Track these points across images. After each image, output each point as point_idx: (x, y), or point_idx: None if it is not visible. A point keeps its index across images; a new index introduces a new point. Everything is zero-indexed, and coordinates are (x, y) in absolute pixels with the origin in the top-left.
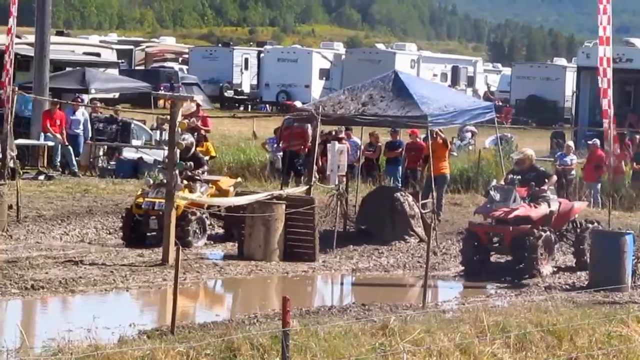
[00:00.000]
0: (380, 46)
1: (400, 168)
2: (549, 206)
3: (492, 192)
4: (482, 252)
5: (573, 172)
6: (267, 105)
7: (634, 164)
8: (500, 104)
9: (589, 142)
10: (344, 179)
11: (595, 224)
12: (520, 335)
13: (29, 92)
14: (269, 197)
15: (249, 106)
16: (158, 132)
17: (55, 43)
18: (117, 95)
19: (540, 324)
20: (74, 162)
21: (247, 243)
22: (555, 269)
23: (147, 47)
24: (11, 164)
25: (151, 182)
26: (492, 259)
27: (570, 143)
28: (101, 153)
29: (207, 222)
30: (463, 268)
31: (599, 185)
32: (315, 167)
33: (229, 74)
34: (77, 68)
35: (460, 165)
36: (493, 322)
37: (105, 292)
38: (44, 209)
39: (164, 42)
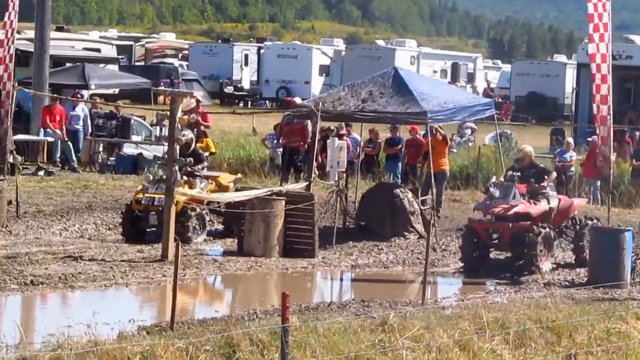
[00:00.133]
0: (380, 42)
1: (399, 164)
2: (549, 203)
3: (491, 189)
4: (481, 249)
5: (572, 168)
6: (267, 102)
7: (634, 160)
8: (500, 100)
9: (589, 139)
10: (344, 175)
11: (595, 220)
12: (519, 332)
13: (29, 88)
14: (268, 193)
15: (249, 102)
16: (158, 128)
17: (55, 39)
18: (116, 91)
19: (540, 321)
20: (74, 158)
21: (247, 239)
22: (554, 266)
23: (147, 43)
24: (11, 160)
25: (151, 178)
26: (492, 255)
27: (570, 140)
28: (101, 149)
29: (207, 218)
30: (462, 264)
31: (598, 182)
32: (315, 164)
33: (228, 70)
34: (77, 64)
35: (460, 162)
36: (492, 319)
37: (104, 288)
38: (44, 204)
39: (164, 38)
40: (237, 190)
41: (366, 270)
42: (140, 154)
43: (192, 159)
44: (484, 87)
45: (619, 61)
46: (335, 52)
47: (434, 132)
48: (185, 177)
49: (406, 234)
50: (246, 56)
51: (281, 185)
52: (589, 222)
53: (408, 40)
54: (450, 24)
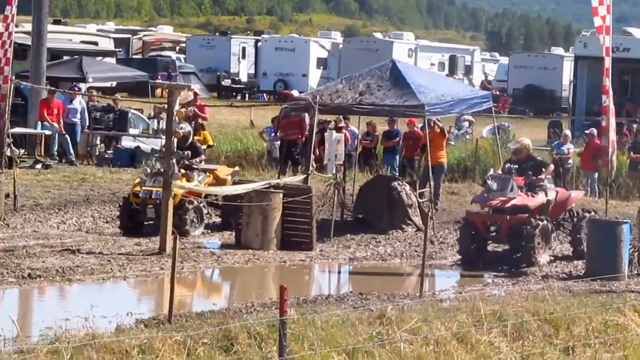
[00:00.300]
0: (378, 35)
1: (397, 157)
2: (546, 195)
3: (489, 181)
4: (479, 241)
5: (570, 161)
6: (265, 94)
7: (632, 153)
8: (498, 93)
9: (586, 132)
10: (342, 168)
11: (592, 213)
12: (517, 324)
13: (26, 81)
14: (266, 186)
15: (247, 95)
16: (155, 121)
17: (52, 32)
18: (114, 84)
19: (537, 313)
20: (71, 151)
21: (245, 232)
22: (552, 258)
23: (144, 35)
24: (8, 153)
25: (148, 171)
26: (489, 248)
27: (568, 132)
28: (98, 142)
29: (205, 211)
30: (460, 257)
31: (596, 175)
32: (312, 156)
33: (226, 63)
34: (75, 57)
35: (458, 155)
36: (490, 311)
37: (102, 281)
38: (41, 197)
39: (162, 31)
40: (234, 183)
41: (364, 263)
42: (138, 147)
43: (189, 152)
44: (482, 79)
45: (617, 54)
46: (332, 45)
47: (432, 124)
48: (182, 170)
49: (404, 226)
50: (244, 49)
51: (279, 178)
52: (587, 214)
53: (406, 33)
54: (447, 16)
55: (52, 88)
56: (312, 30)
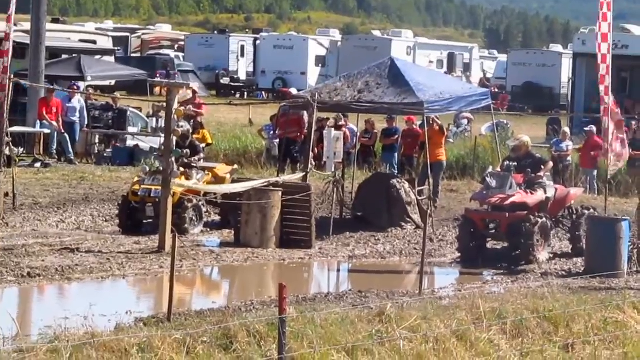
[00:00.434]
0: (377, 33)
1: (396, 155)
2: (545, 192)
3: (488, 179)
4: (478, 239)
5: (569, 158)
6: (263, 93)
7: (630, 150)
8: (496, 90)
9: (585, 129)
10: (341, 165)
11: (591, 210)
12: (516, 322)
13: (25, 80)
14: (265, 184)
15: (245, 93)
16: (154, 119)
17: (51, 30)
18: (113, 82)
19: (537, 310)
20: (70, 150)
21: (244, 230)
22: (551, 256)
23: (143, 34)
24: (7, 152)
25: (147, 169)
26: (489, 245)
27: (566, 129)
28: (97, 140)
29: (204, 209)
30: (459, 255)
31: (595, 172)
32: (311, 154)
33: (225, 61)
34: (73, 55)
35: (457, 152)
36: (489, 309)
37: (101, 280)
38: (40, 196)
39: (160, 30)
40: (233, 181)
41: (363, 260)
42: (137, 145)
43: (188, 151)
44: (480, 77)
45: (616, 50)
46: (331, 43)
47: (431, 122)
48: (181, 169)
49: (403, 224)
50: (242, 47)
51: (278, 176)
52: (586, 211)
53: (404, 31)
54: (446, 14)
55: (51, 86)
56: (311, 28)
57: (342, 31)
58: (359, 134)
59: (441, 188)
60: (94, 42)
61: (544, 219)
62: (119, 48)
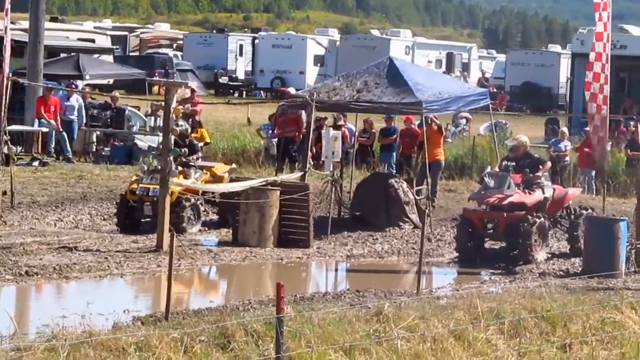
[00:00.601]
0: (375, 32)
1: (394, 154)
2: (543, 192)
3: (486, 179)
4: (476, 239)
5: (567, 158)
6: (262, 92)
7: (629, 150)
8: (495, 90)
9: (584, 129)
10: (339, 165)
11: (589, 210)
12: (514, 322)
13: (23, 78)
14: (263, 183)
15: (244, 92)
16: (152, 118)
17: (49, 29)
18: (111, 81)
19: (534, 310)
20: (69, 148)
21: (242, 229)
22: (549, 256)
23: (141, 33)
24: (5, 150)
25: (145, 168)
26: (487, 245)
27: (565, 129)
28: (95, 139)
29: (202, 208)
30: (457, 254)
31: (593, 172)
32: (309, 154)
33: (223, 60)
34: (72, 54)
35: (455, 152)
36: (487, 309)
37: (99, 279)
38: (38, 195)
39: (159, 28)
40: (231, 180)
41: (361, 260)
42: (135, 144)
43: (186, 150)
44: (479, 76)
45: (614, 51)
46: (329, 42)
47: (429, 122)
48: (179, 168)
49: (401, 224)
50: (241, 46)
51: (276, 175)
52: (584, 211)
53: (403, 30)
54: (445, 14)
55: (49, 85)
56: (309, 28)
57: (341, 30)
58: (357, 133)
59: (439, 188)
60: (93, 41)
61: (542, 219)
62: (117, 47)
